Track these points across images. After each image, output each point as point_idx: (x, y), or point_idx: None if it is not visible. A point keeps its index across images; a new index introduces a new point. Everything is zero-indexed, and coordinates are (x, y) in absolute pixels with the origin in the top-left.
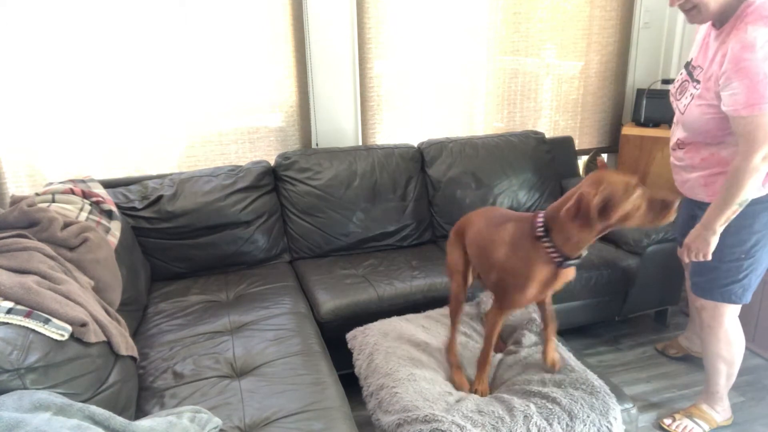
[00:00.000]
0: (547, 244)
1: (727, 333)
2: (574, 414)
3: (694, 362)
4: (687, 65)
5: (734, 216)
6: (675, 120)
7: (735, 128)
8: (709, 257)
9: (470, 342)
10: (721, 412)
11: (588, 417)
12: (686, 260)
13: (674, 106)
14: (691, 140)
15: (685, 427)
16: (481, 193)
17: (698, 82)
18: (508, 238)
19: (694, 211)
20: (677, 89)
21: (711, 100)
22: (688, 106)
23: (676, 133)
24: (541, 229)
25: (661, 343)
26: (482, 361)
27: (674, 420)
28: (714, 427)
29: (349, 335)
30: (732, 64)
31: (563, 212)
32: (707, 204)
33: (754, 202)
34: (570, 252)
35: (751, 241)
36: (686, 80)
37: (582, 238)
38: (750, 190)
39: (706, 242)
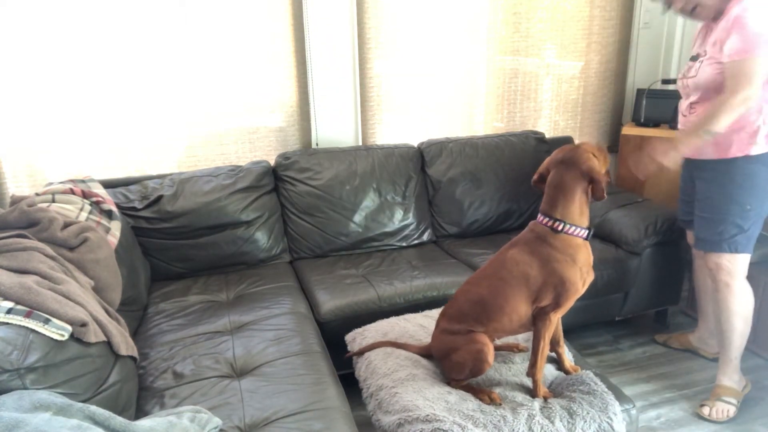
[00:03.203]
0: (571, 229)
1: (742, 287)
2: (574, 411)
3: (695, 362)
4: (690, 59)
5: (696, 144)
6: (684, 96)
7: (727, 72)
8: (659, 161)
9: None
10: (738, 380)
11: (588, 414)
12: (640, 175)
13: (682, 84)
14: (704, 99)
15: (721, 410)
16: (481, 193)
17: (702, 57)
18: (528, 256)
19: (692, 173)
20: (683, 72)
21: (719, 57)
22: (699, 69)
23: (689, 99)
24: (556, 221)
25: (662, 335)
26: (541, 366)
27: (709, 407)
28: (741, 398)
29: (348, 337)
30: (732, 22)
31: (601, 177)
32: (711, 162)
33: (755, 161)
34: (587, 223)
35: (755, 195)
36: (691, 65)
37: (585, 204)
38: (720, 124)
39: (664, 154)
